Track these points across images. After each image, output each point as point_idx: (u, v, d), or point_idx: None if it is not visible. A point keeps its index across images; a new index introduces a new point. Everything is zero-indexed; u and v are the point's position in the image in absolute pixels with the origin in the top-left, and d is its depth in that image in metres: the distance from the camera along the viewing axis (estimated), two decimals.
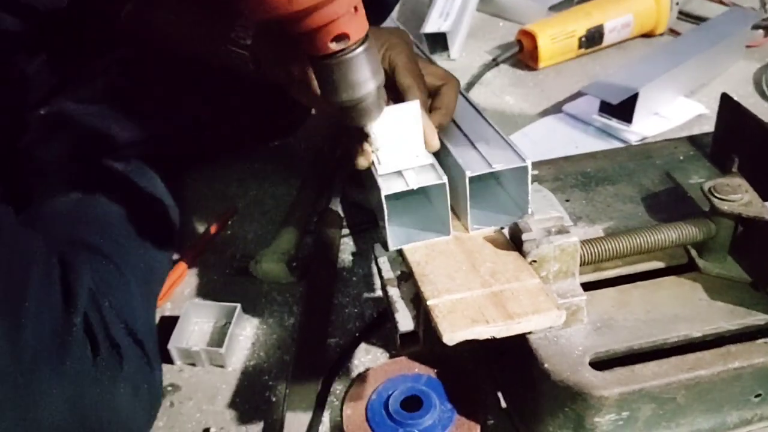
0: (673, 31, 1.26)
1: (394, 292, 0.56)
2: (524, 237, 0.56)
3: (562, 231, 0.56)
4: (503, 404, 0.64)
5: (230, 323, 0.74)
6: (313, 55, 0.51)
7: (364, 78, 0.51)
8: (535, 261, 0.56)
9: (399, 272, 0.59)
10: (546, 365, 0.54)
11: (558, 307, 0.51)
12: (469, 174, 0.57)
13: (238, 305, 0.76)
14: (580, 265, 0.58)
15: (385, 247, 0.60)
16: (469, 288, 0.53)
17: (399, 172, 0.59)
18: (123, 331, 0.64)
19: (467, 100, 0.72)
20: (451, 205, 0.59)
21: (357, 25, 0.49)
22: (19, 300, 0.56)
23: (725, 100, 0.74)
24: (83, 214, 0.74)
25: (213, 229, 0.89)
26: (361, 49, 0.50)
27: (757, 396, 0.57)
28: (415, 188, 0.57)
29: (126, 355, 0.62)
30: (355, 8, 0.48)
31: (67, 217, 0.74)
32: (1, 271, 0.56)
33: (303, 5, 0.45)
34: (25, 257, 0.60)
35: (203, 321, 0.77)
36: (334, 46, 0.49)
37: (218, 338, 0.75)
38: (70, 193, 0.76)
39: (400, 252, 0.60)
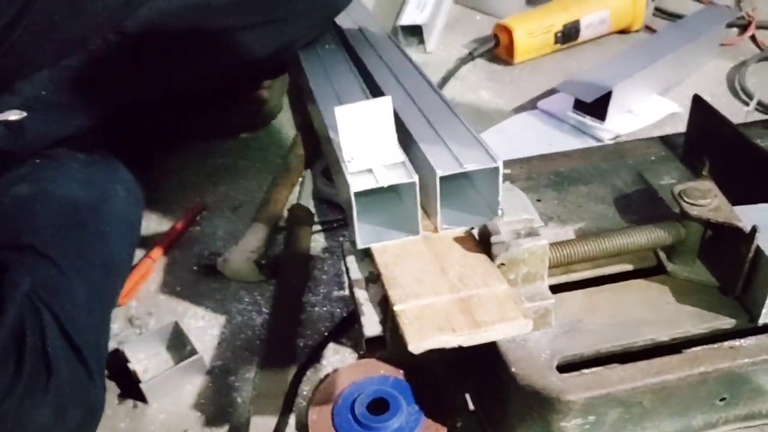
0: (648, 28, 1.26)
1: (361, 294, 0.56)
2: (493, 239, 0.55)
3: (531, 233, 0.56)
4: (471, 407, 0.64)
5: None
6: None
7: None
8: (503, 264, 0.55)
9: (367, 273, 0.58)
10: (513, 369, 0.54)
11: (525, 316, 0.50)
12: (440, 173, 0.56)
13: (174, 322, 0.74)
14: (550, 268, 0.57)
15: (354, 245, 0.59)
16: (437, 293, 0.52)
17: (369, 170, 0.58)
18: (60, 342, 0.61)
19: (439, 96, 0.71)
20: (421, 204, 0.58)
21: None
22: None
23: (697, 101, 0.74)
24: (34, 210, 0.70)
25: (181, 224, 0.88)
26: None
27: (722, 399, 0.57)
28: (384, 186, 0.56)
29: (57, 368, 0.59)
30: None
31: (13, 216, 0.70)
32: None
33: None
34: None
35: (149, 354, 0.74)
36: None
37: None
38: (23, 186, 0.73)
39: (368, 252, 0.59)
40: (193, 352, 0.71)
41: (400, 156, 0.58)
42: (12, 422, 0.56)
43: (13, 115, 0.66)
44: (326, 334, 0.73)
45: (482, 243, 0.57)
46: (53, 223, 0.70)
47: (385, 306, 0.55)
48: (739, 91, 1.08)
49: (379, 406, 0.62)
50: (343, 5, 0.87)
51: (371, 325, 0.52)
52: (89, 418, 0.62)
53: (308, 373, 0.70)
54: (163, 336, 0.74)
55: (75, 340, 0.61)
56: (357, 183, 0.56)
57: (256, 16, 0.79)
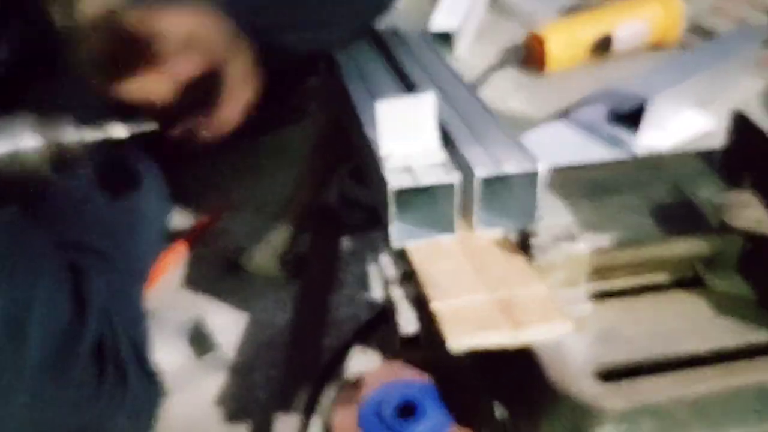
0: (683, 45, 1.25)
1: (396, 292, 0.55)
2: (532, 242, 0.55)
3: (571, 238, 0.55)
4: (499, 414, 0.63)
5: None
6: None
7: None
8: (541, 267, 0.54)
9: (402, 271, 0.57)
10: (549, 374, 0.53)
11: (566, 318, 0.49)
12: (480, 175, 0.56)
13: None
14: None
15: (389, 243, 0.58)
16: (474, 292, 0.51)
17: (408, 168, 0.57)
18: (130, 351, 0.60)
19: (476, 98, 0.70)
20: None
21: None
22: (26, 308, 0.53)
23: (738, 116, 0.73)
24: (88, 212, 0.68)
25: (205, 221, 0.87)
26: None
27: (757, 413, 0.55)
28: (424, 185, 0.55)
29: (130, 378, 0.58)
30: None
31: (73, 217, 0.67)
32: (7, 277, 0.53)
33: None
34: (33, 263, 0.56)
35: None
36: None
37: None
38: (72, 189, 0.69)
39: (401, 252, 0.58)
40: (215, 347, 0.70)
41: (441, 155, 0.57)
42: None
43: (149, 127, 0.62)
44: (351, 336, 0.72)
45: (520, 245, 0.57)
46: (102, 221, 0.68)
47: (418, 305, 0.54)
48: None
49: (406, 409, 0.61)
50: (384, 10, 0.87)
51: (408, 322, 0.51)
52: (156, 421, 0.62)
53: (332, 374, 0.69)
54: (185, 330, 0.73)
55: (138, 347, 0.61)
56: (395, 181, 0.55)
57: (298, 17, 0.79)
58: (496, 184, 0.63)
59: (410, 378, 0.64)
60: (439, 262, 0.55)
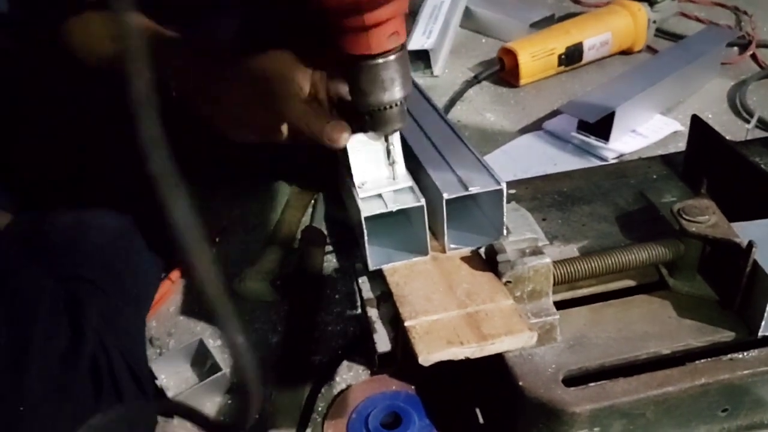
0: (650, 49, 1.29)
1: (373, 312, 0.58)
2: (499, 258, 0.58)
3: (536, 252, 0.58)
4: (481, 420, 0.66)
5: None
6: (358, 54, 0.52)
7: (404, 79, 0.54)
8: (509, 282, 0.58)
9: (379, 292, 0.60)
10: (521, 382, 0.56)
11: (530, 329, 0.52)
12: (446, 196, 0.59)
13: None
14: (554, 285, 0.60)
15: (365, 267, 0.62)
16: (445, 309, 0.55)
17: (379, 195, 0.61)
18: (126, 373, 0.63)
19: (445, 121, 0.73)
20: (429, 226, 0.61)
21: (405, 26, 0.51)
22: (25, 341, 0.56)
23: (695, 121, 0.76)
24: (78, 240, 0.72)
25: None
26: (404, 51, 0.53)
27: (723, 411, 0.59)
28: (394, 210, 0.59)
29: (127, 397, 0.61)
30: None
31: (67, 247, 0.71)
32: (7, 308, 0.56)
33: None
34: (32, 294, 0.59)
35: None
36: (389, 44, 0.51)
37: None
38: (65, 214, 0.74)
39: (379, 272, 0.61)
40: (217, 368, 0.73)
41: (408, 181, 0.61)
42: None
43: None
44: (340, 351, 0.76)
45: (489, 262, 0.60)
46: (97, 253, 0.71)
47: (396, 323, 0.57)
48: (740, 109, 1.11)
49: (393, 420, 0.64)
50: None
51: (383, 341, 0.55)
52: None
53: (323, 389, 0.72)
54: (188, 353, 0.76)
55: (135, 370, 0.64)
56: (367, 208, 0.59)
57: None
58: (464, 204, 0.66)
59: (396, 389, 0.68)
60: (412, 282, 0.58)
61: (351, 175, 0.60)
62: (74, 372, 0.58)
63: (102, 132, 0.77)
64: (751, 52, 1.24)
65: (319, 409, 0.69)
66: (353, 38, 0.51)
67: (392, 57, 0.53)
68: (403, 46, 0.53)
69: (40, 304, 0.60)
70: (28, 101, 0.79)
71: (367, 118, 0.57)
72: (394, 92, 0.54)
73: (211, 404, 0.72)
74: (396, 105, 0.56)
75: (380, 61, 0.53)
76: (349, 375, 0.73)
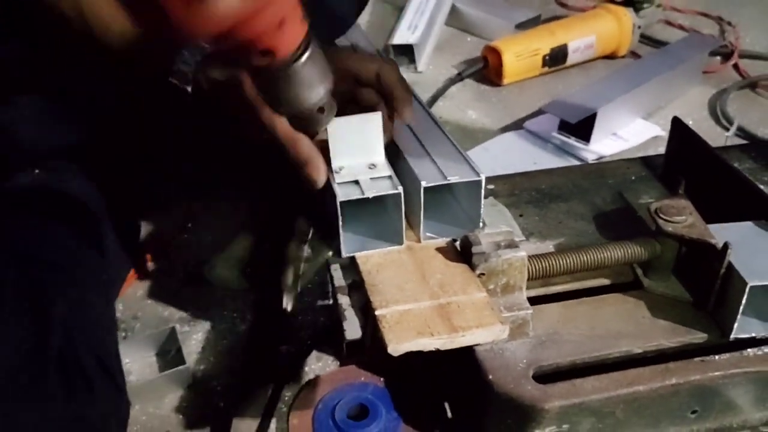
0: (634, 54, 1.29)
1: (344, 300, 0.57)
2: (474, 250, 0.57)
3: (511, 245, 0.57)
4: (450, 414, 0.65)
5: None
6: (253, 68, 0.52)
7: (308, 88, 0.53)
8: (483, 274, 0.57)
9: (351, 281, 0.59)
10: (490, 377, 0.55)
11: (502, 322, 0.52)
12: (424, 184, 0.58)
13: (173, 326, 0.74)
14: (529, 280, 0.59)
15: (338, 253, 0.61)
16: (417, 299, 0.53)
17: (356, 181, 0.60)
18: (94, 364, 0.60)
19: (427, 112, 0.72)
20: (405, 215, 0.60)
21: (284, 39, 0.49)
22: None
23: (676, 123, 0.76)
24: (46, 223, 0.67)
25: (169, 231, 0.89)
26: (302, 60, 0.51)
27: (693, 412, 0.58)
28: (370, 197, 0.58)
29: (98, 391, 0.58)
30: (281, 23, 0.48)
31: (31, 231, 0.66)
32: None
33: (219, 27, 0.45)
34: None
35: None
36: (260, 61, 0.50)
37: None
38: (30, 198, 0.70)
39: (352, 260, 0.60)
40: (181, 361, 0.71)
41: (386, 169, 0.60)
42: None
43: None
44: (309, 342, 0.74)
45: (463, 254, 0.59)
46: (65, 236, 0.67)
47: (366, 312, 0.56)
48: (720, 117, 1.11)
49: (360, 412, 0.63)
50: (344, 30, 0.88)
51: (352, 329, 0.54)
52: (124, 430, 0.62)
53: (290, 379, 0.70)
54: (157, 340, 0.74)
55: (105, 360, 0.61)
56: (344, 193, 0.57)
57: None
58: (442, 194, 0.65)
59: (364, 381, 0.67)
60: (385, 271, 0.57)
61: (329, 159, 0.59)
62: (42, 370, 0.55)
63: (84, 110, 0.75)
64: (733, 62, 1.25)
65: (286, 398, 0.68)
66: (238, 57, 0.51)
67: (293, 66, 0.52)
68: (303, 52, 0.52)
69: (2, 296, 0.57)
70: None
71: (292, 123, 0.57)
72: (305, 98, 0.54)
73: (172, 396, 0.70)
74: (310, 110, 0.55)
75: (279, 73, 0.52)
76: (318, 365, 0.72)
